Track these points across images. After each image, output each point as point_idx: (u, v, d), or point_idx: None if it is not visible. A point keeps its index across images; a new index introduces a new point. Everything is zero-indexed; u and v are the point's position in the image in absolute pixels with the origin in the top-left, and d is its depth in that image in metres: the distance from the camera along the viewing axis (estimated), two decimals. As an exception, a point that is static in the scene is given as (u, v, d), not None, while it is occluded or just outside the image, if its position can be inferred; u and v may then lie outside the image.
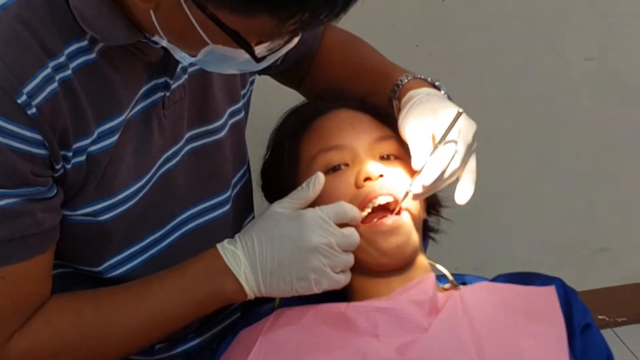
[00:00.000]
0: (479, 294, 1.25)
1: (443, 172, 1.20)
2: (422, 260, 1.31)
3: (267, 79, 1.52)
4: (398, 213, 1.25)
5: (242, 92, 1.37)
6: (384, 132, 1.33)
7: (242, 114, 1.37)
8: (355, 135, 1.31)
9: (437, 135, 1.21)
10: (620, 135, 2.34)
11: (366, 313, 1.20)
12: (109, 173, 1.16)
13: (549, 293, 1.25)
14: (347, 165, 1.30)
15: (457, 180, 1.24)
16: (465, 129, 1.22)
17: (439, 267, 1.36)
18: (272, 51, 1.06)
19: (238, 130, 1.36)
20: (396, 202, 1.25)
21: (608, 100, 2.30)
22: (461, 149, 1.21)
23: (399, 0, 2.07)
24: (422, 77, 1.35)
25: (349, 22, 1.78)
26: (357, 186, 1.26)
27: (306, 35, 1.45)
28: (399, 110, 1.30)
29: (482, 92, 2.13)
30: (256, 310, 1.36)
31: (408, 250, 1.25)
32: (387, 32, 2.05)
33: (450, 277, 1.33)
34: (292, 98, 1.51)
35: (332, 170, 1.29)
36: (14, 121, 1.04)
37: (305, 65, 1.50)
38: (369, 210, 1.25)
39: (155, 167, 1.22)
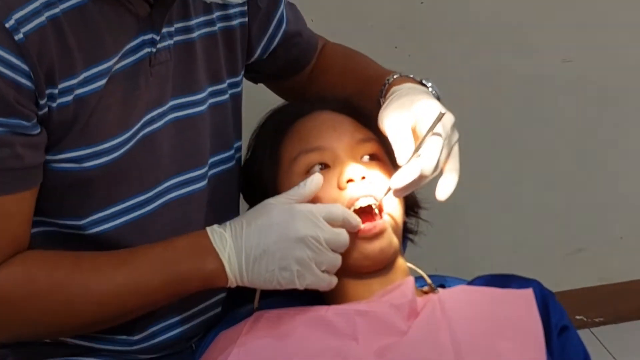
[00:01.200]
0: (457, 297, 1.26)
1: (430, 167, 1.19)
2: (401, 262, 1.31)
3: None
4: (380, 213, 1.25)
5: (229, 81, 1.39)
6: (366, 134, 1.33)
7: (226, 96, 1.38)
8: (336, 137, 1.32)
9: (418, 128, 1.21)
10: (599, 136, 2.36)
11: (346, 316, 1.21)
12: (95, 119, 1.18)
13: (527, 296, 1.26)
14: (328, 166, 1.30)
15: (438, 176, 1.24)
16: (447, 120, 1.23)
17: (418, 270, 1.36)
18: None
19: (220, 112, 1.38)
20: (379, 204, 1.25)
21: (586, 102, 2.31)
22: (441, 144, 1.20)
23: (377, 1, 2.08)
24: (411, 76, 1.36)
25: (327, 23, 1.80)
26: (340, 187, 1.27)
27: (298, 39, 1.49)
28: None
29: (461, 94, 2.13)
30: (236, 311, 1.36)
31: (390, 253, 1.26)
32: (366, 34, 2.06)
33: (428, 280, 1.33)
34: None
35: (317, 167, 1.30)
36: (1, 45, 1.07)
37: (299, 75, 1.52)
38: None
39: (140, 124, 1.24)
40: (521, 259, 2.42)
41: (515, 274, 2.41)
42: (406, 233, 1.41)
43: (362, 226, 1.23)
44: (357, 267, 1.26)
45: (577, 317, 2.53)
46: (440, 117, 1.20)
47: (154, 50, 1.23)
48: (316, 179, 1.25)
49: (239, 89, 1.42)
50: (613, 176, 2.42)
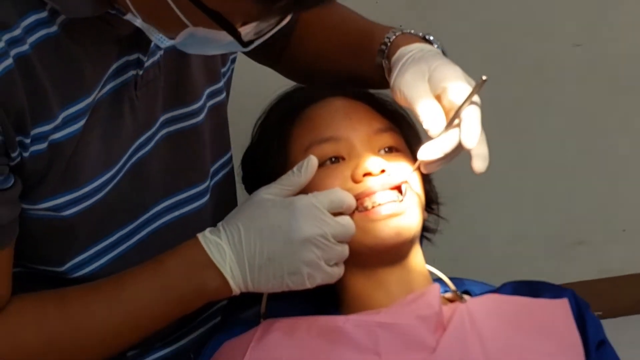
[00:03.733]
0: (487, 307, 1.15)
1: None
2: (419, 260, 1.21)
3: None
4: (401, 193, 1.14)
5: (223, 71, 1.25)
6: (384, 124, 1.22)
7: (223, 95, 1.25)
8: (352, 127, 1.20)
9: (445, 98, 1.09)
10: (608, 124, 2.27)
11: (366, 328, 1.09)
12: (75, 163, 1.04)
13: (562, 307, 1.16)
14: (343, 159, 1.18)
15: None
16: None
17: (439, 273, 1.25)
18: (260, 34, 0.96)
19: (218, 113, 1.25)
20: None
21: (596, 88, 2.23)
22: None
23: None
24: (412, 31, 1.23)
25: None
26: (355, 181, 1.15)
27: None
28: (389, 71, 1.18)
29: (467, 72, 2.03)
30: (239, 316, 1.24)
31: (407, 237, 1.14)
32: (370, 11, 1.93)
33: (452, 286, 1.22)
34: (276, 79, 1.39)
35: (328, 161, 1.18)
36: None
37: (282, 39, 1.37)
38: (367, 206, 1.13)
39: (127, 155, 1.11)
40: (521, 250, 2.35)
41: (516, 266, 2.37)
42: (424, 232, 1.29)
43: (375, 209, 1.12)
44: (371, 259, 1.15)
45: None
46: (482, 84, 1.07)
47: (140, 72, 1.07)
48: (311, 163, 1.13)
49: (229, 74, 1.29)
50: (619, 167, 2.34)
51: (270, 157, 1.23)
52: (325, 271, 1.09)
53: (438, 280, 1.26)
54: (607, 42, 2.18)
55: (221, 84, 1.23)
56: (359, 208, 1.13)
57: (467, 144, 1.06)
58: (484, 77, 1.06)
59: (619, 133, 2.29)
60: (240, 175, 1.33)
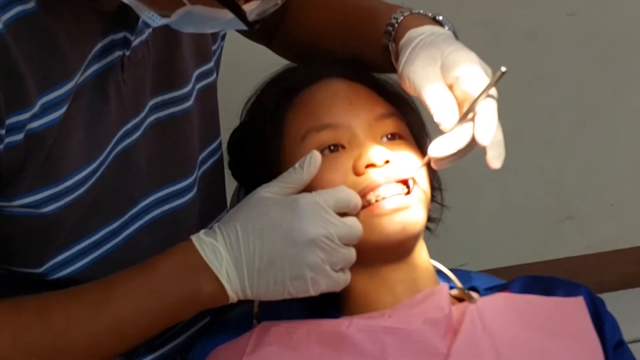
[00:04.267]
0: (498, 308, 1.07)
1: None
2: (424, 255, 1.13)
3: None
4: (407, 192, 1.06)
5: (213, 49, 1.15)
6: (386, 108, 1.12)
7: (214, 76, 1.16)
8: (353, 112, 1.10)
9: (458, 88, 1.00)
10: (599, 97, 2.21)
11: (371, 333, 1.01)
12: (55, 154, 0.95)
13: (578, 306, 1.09)
14: (343, 147, 1.09)
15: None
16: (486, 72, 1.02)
17: (444, 269, 1.17)
18: (264, 13, 0.87)
19: (208, 95, 1.15)
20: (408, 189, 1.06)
21: (589, 58, 2.16)
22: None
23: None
24: (421, 11, 1.13)
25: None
26: (357, 173, 1.06)
27: None
28: (397, 55, 1.09)
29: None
30: (228, 315, 1.16)
31: (413, 232, 1.06)
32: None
33: (459, 284, 1.14)
34: (268, 56, 1.28)
35: (326, 151, 1.09)
36: None
37: (277, 15, 1.27)
38: (371, 200, 1.05)
39: (112, 144, 1.01)
40: (510, 226, 2.30)
41: (505, 242, 2.31)
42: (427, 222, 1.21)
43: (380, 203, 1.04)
44: (376, 256, 1.06)
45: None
46: (500, 76, 0.98)
47: (127, 52, 0.98)
48: (314, 160, 1.04)
49: (219, 53, 1.19)
50: (611, 140, 2.28)
51: (262, 144, 1.14)
52: (330, 277, 1.00)
53: (439, 273, 1.18)
54: (600, 11, 2.11)
55: (211, 63, 1.14)
56: (362, 203, 1.04)
57: (482, 140, 0.98)
58: (503, 69, 0.98)
59: (610, 106, 2.23)
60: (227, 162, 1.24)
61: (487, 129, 0.97)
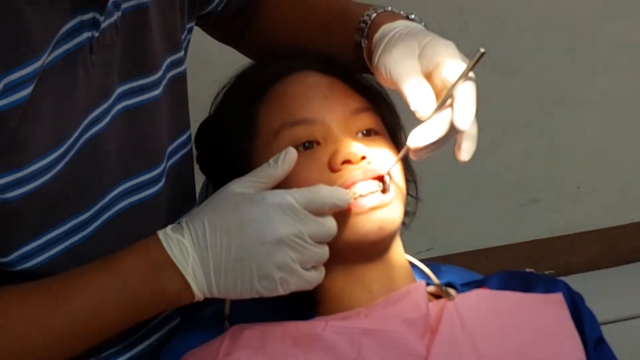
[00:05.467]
0: (477, 306, 1.05)
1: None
2: (400, 251, 1.10)
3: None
4: (384, 191, 1.03)
5: (182, 38, 1.12)
6: (361, 103, 1.09)
7: (184, 66, 1.12)
8: (327, 107, 1.07)
9: (436, 76, 0.98)
10: (565, 80, 2.19)
11: (348, 335, 0.98)
12: (19, 138, 0.90)
13: (557, 303, 1.07)
14: (318, 143, 1.06)
15: None
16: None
17: (421, 265, 1.14)
18: None
19: (178, 85, 1.12)
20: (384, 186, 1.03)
21: (552, 42, 2.14)
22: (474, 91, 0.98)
23: None
24: (393, 9, 1.11)
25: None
26: (333, 170, 1.03)
27: None
28: (370, 51, 1.07)
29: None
30: (199, 315, 1.12)
31: (390, 230, 1.04)
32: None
33: (436, 280, 1.12)
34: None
35: (301, 147, 1.05)
36: None
37: (246, 14, 1.24)
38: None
39: (79, 130, 0.97)
40: (475, 211, 2.28)
41: (471, 227, 2.30)
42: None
43: (357, 202, 1.01)
44: (352, 255, 1.04)
45: (527, 270, 2.40)
46: (480, 57, 0.95)
47: (96, 34, 0.95)
48: (290, 156, 1.01)
49: (186, 44, 1.16)
50: (576, 123, 2.27)
51: (233, 139, 1.10)
52: (300, 276, 0.97)
53: (415, 267, 1.15)
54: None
55: (182, 52, 1.10)
56: None
57: (460, 124, 0.95)
58: (482, 50, 0.95)
59: (575, 90, 2.22)
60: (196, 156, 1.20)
61: (466, 112, 0.95)
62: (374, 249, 1.04)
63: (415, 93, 0.97)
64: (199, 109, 1.19)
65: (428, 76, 0.98)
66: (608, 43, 2.19)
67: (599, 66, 2.21)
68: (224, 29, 1.27)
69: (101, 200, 1.03)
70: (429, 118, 0.97)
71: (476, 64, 0.95)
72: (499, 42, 2.09)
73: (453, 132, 0.97)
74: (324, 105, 1.07)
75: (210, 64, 1.25)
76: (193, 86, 1.17)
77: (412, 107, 0.97)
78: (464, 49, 2.13)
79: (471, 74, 0.97)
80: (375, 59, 1.02)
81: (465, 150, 0.98)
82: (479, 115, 2.27)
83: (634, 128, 2.32)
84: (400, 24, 1.05)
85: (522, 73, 2.16)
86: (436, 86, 0.97)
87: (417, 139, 0.98)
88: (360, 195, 1.01)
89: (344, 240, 1.01)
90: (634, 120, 2.31)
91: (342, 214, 1.00)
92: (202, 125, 1.20)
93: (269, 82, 1.10)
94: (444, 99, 0.96)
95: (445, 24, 1.97)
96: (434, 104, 0.96)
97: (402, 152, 1.03)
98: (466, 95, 0.95)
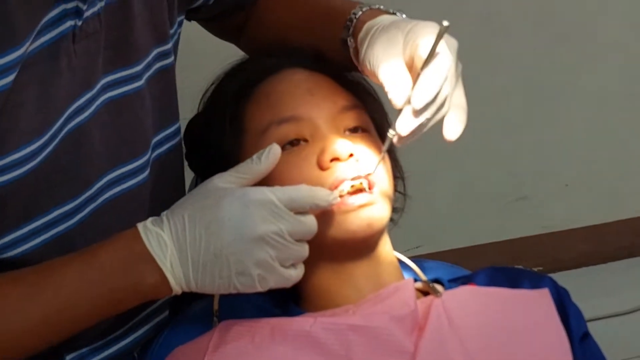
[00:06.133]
0: (464, 302, 1.05)
1: (434, 100, 0.96)
2: (388, 248, 1.10)
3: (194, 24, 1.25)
4: (369, 187, 1.03)
5: (171, 32, 1.11)
6: (349, 100, 1.10)
7: (172, 59, 1.12)
8: (314, 104, 1.07)
9: (417, 57, 0.97)
10: (553, 77, 2.19)
11: (337, 332, 0.98)
12: (2, 125, 0.91)
13: (544, 299, 1.07)
14: (305, 141, 1.06)
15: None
16: (450, 44, 0.99)
17: (409, 262, 1.15)
18: None
19: (166, 77, 1.11)
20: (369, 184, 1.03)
21: (541, 40, 2.14)
22: (451, 68, 0.97)
23: None
24: (380, 7, 1.11)
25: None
26: (322, 167, 1.03)
27: None
28: (356, 49, 1.07)
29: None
30: (188, 310, 1.13)
31: (378, 228, 1.04)
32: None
33: (424, 277, 1.12)
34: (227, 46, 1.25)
35: (288, 145, 1.06)
36: None
37: (244, 12, 1.24)
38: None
39: (63, 118, 0.97)
40: (464, 208, 2.28)
41: (460, 224, 2.30)
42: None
43: (344, 200, 1.01)
44: (340, 252, 1.04)
45: (516, 267, 2.41)
46: (443, 31, 0.95)
47: (79, 22, 0.94)
48: (273, 152, 1.01)
49: (176, 38, 1.15)
50: (564, 121, 2.27)
51: (221, 137, 1.10)
52: (279, 273, 0.97)
53: (402, 264, 1.16)
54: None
55: (169, 45, 1.10)
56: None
57: (415, 104, 0.95)
58: (445, 23, 0.95)
59: (563, 87, 2.22)
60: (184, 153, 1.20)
61: (422, 92, 0.94)
62: (362, 245, 1.04)
63: (390, 80, 0.97)
64: (189, 105, 1.19)
65: (412, 61, 0.98)
66: (597, 40, 2.19)
67: (588, 63, 2.21)
68: (223, 25, 1.27)
69: (88, 191, 1.02)
70: (402, 107, 0.96)
71: (440, 38, 0.95)
72: (487, 39, 2.10)
73: (430, 115, 0.97)
74: (310, 102, 1.07)
75: (202, 59, 1.25)
76: (183, 81, 1.18)
77: (389, 97, 0.97)
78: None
79: (445, 49, 0.96)
80: (361, 56, 1.03)
81: (448, 130, 1.00)
82: (469, 112, 2.28)
83: (622, 125, 2.33)
84: (384, 18, 1.06)
85: (510, 70, 2.16)
86: (417, 68, 0.97)
87: (402, 127, 0.97)
88: (348, 193, 1.01)
89: (333, 237, 1.01)
90: (622, 117, 2.32)
91: (330, 212, 1.01)
92: (190, 123, 1.20)
93: (257, 80, 1.11)
94: (416, 80, 0.95)
95: (434, 20, 2.00)
96: (408, 91, 0.96)
97: (387, 144, 1.02)
98: (431, 74, 0.95)
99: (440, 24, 0.97)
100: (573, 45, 2.17)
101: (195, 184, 1.26)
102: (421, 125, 0.98)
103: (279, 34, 1.20)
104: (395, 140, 1.00)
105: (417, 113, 0.96)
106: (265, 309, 1.07)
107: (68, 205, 1.01)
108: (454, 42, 1.00)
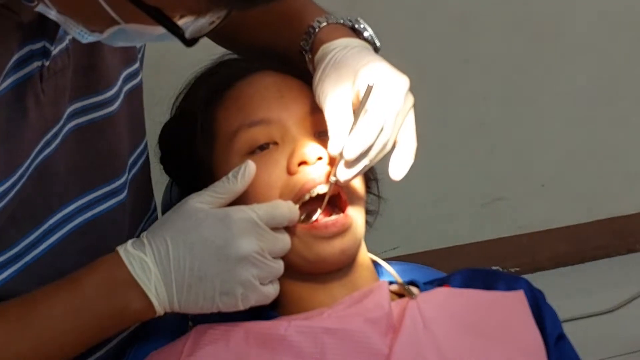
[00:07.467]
0: (439, 304, 1.05)
1: (369, 150, 0.98)
2: (364, 255, 1.10)
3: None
4: (343, 205, 1.03)
5: (138, 47, 1.11)
6: None
7: (140, 77, 1.11)
8: (284, 106, 1.07)
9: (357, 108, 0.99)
10: (530, 78, 2.21)
11: (311, 335, 0.98)
12: None
13: (519, 300, 1.07)
14: (276, 144, 1.05)
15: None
16: (391, 91, 1.00)
17: (384, 264, 1.14)
18: (201, 32, 0.82)
19: (135, 97, 1.11)
20: (339, 193, 1.03)
21: (518, 41, 2.16)
22: (388, 118, 0.98)
23: None
24: (341, 20, 1.11)
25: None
26: (290, 172, 1.03)
27: None
28: (314, 68, 1.07)
29: (390, 28, 1.93)
30: (161, 319, 1.11)
31: (353, 252, 1.05)
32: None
33: (399, 279, 1.12)
34: (194, 51, 1.23)
35: (258, 149, 1.05)
36: None
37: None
38: (304, 200, 1.02)
39: (31, 157, 0.95)
40: (441, 209, 2.30)
41: (437, 225, 2.30)
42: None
43: (318, 219, 1.02)
44: (310, 270, 1.04)
45: (493, 268, 2.42)
46: (368, 93, 0.97)
47: (46, 62, 0.92)
48: (249, 170, 1.01)
49: (142, 51, 1.14)
50: (540, 121, 2.29)
51: (193, 141, 1.10)
52: (260, 292, 0.98)
53: (378, 266, 1.15)
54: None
55: (137, 64, 1.09)
56: (301, 217, 1.02)
57: (346, 156, 0.98)
58: (370, 84, 0.97)
59: (539, 88, 2.23)
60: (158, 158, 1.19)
61: (354, 144, 0.97)
62: (334, 269, 1.05)
63: (331, 125, 0.99)
64: (160, 108, 1.18)
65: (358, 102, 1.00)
66: (573, 41, 2.20)
67: (564, 64, 2.23)
68: (217, 35, 1.26)
69: (50, 219, 1.01)
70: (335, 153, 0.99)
71: (366, 99, 0.97)
72: (463, 41, 2.10)
73: (367, 161, 1.00)
74: (280, 104, 1.07)
75: (170, 60, 1.24)
76: (153, 84, 1.17)
77: (328, 145, 1.00)
78: (428, 49, 2.16)
79: (376, 106, 0.98)
80: (315, 83, 1.04)
81: (394, 170, 1.03)
82: (445, 115, 2.30)
83: (599, 126, 2.34)
84: (339, 43, 1.05)
85: (486, 71, 2.17)
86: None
87: (341, 175, 1.00)
88: (324, 219, 1.01)
89: (307, 259, 1.02)
90: (599, 118, 2.33)
91: (304, 234, 1.01)
92: (164, 127, 1.19)
93: (226, 84, 1.10)
94: (351, 129, 0.98)
95: (407, 24, 2.00)
96: (344, 139, 0.99)
97: (330, 190, 1.02)
98: (358, 130, 0.97)
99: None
100: (548, 46, 2.18)
101: (170, 189, 1.25)
102: (363, 169, 1.00)
103: (238, 30, 1.18)
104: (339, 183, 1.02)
105: (351, 164, 0.98)
106: (239, 313, 1.06)
107: (32, 235, 0.99)
108: (405, 82, 1.01)
